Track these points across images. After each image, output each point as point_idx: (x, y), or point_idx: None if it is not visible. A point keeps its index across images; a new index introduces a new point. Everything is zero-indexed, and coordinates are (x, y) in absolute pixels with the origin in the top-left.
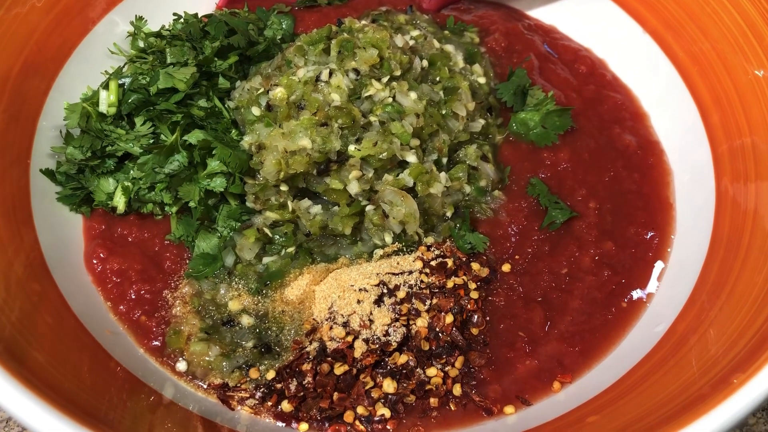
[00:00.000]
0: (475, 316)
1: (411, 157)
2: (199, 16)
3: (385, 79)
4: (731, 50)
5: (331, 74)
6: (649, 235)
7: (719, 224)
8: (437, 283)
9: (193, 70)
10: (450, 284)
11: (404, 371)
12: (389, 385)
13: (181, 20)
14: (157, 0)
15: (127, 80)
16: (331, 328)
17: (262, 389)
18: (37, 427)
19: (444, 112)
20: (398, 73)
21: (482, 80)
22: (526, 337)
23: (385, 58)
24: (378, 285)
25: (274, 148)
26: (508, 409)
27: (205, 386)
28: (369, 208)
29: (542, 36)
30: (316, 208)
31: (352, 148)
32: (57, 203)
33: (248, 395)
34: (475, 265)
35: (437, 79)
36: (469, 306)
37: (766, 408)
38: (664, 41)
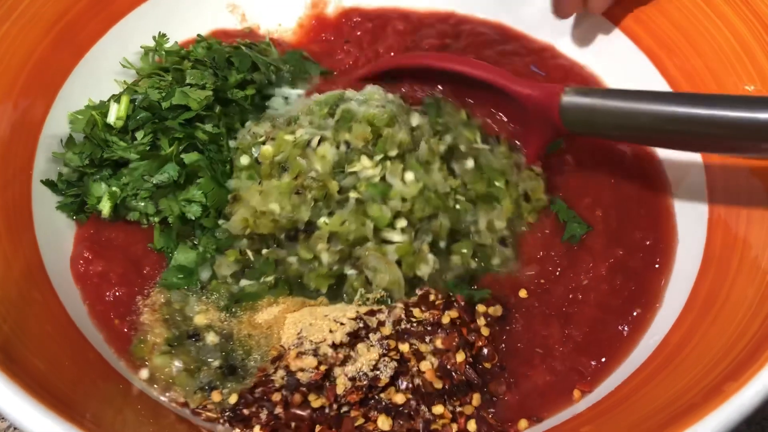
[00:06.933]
0: (485, 350)
1: (396, 237)
2: (203, 35)
3: (378, 158)
4: (723, 67)
5: (320, 142)
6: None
7: (712, 237)
8: (431, 318)
9: (209, 94)
10: (446, 319)
11: (406, 411)
12: (384, 422)
13: (203, 43)
14: (163, 18)
15: (139, 97)
16: (297, 355)
17: (227, 413)
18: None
19: (459, 207)
20: (394, 153)
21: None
22: (542, 351)
23: (382, 136)
24: (355, 319)
25: (247, 203)
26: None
27: (167, 401)
28: (351, 272)
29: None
30: (293, 259)
31: (321, 220)
32: (57, 211)
33: (216, 416)
34: (480, 308)
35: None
36: (480, 343)
37: (761, 422)
38: (657, 58)
